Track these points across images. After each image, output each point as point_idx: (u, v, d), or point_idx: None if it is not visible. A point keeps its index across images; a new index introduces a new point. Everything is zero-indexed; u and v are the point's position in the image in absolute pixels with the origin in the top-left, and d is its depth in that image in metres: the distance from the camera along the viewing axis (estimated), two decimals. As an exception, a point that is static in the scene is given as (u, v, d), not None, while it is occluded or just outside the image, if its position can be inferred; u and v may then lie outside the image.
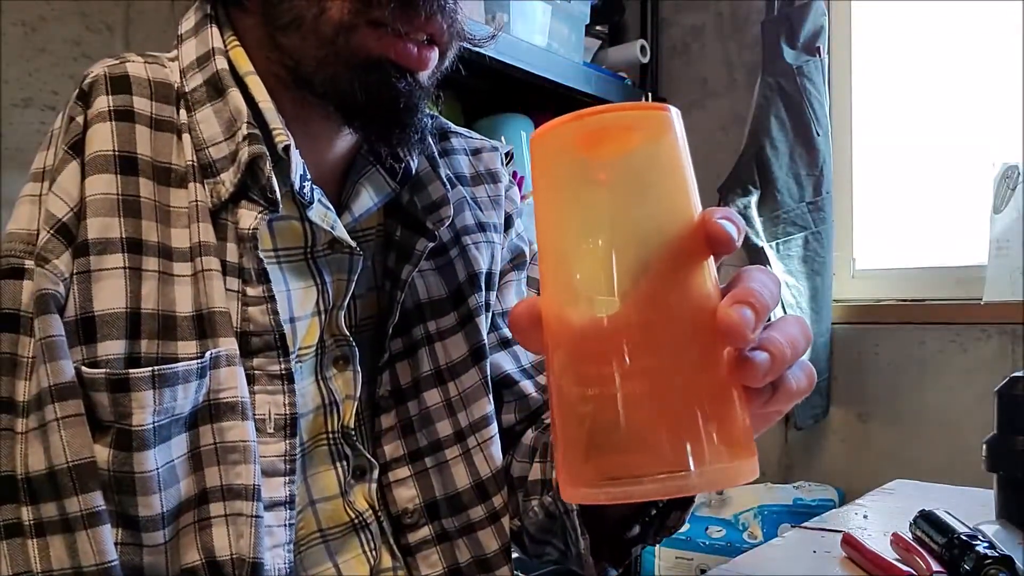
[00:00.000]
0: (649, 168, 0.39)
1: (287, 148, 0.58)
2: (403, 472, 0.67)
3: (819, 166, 1.76)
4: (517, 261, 0.78)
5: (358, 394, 0.64)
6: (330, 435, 0.64)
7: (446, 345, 0.69)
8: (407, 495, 0.66)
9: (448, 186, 0.68)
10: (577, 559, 0.67)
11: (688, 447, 0.36)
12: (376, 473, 0.65)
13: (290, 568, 0.58)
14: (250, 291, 0.58)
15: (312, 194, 0.60)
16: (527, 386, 0.75)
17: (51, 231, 0.55)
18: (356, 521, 0.65)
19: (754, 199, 1.75)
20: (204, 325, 0.57)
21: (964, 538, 0.69)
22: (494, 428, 0.70)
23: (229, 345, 0.57)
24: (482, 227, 0.73)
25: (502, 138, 1.67)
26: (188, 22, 0.64)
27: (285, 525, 0.58)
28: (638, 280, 0.37)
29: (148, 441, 0.54)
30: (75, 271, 0.55)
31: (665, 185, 0.39)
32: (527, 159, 1.76)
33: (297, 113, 0.61)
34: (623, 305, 0.37)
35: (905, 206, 1.85)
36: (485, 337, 0.70)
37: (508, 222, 0.78)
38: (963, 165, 1.76)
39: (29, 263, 0.55)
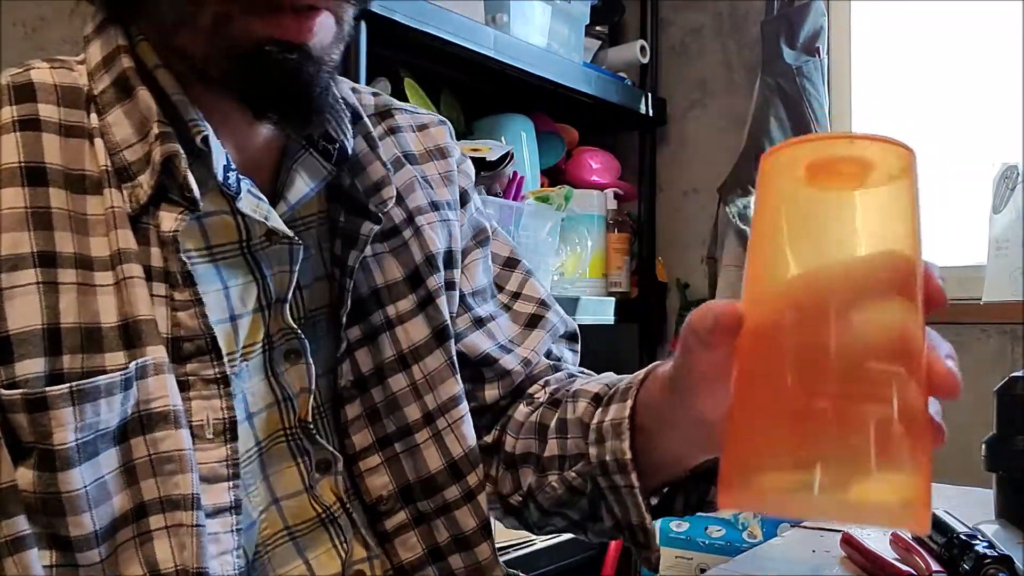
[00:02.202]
0: (887, 206, 0.40)
1: (205, 139, 0.56)
2: (374, 460, 0.66)
3: (819, 166, 1.76)
4: (480, 238, 0.77)
5: (313, 387, 0.63)
6: (288, 431, 0.63)
7: (407, 328, 0.68)
8: (380, 482, 0.66)
9: (389, 166, 0.67)
10: (623, 530, 0.64)
11: (901, 480, 0.38)
12: (340, 465, 0.64)
13: (240, 573, 0.58)
14: (177, 296, 0.57)
15: (239, 185, 0.58)
16: (508, 361, 0.74)
17: None
18: (323, 515, 0.64)
19: (753, 199, 1.75)
20: (131, 334, 0.55)
21: (963, 538, 0.69)
22: (464, 407, 0.69)
23: (157, 353, 0.55)
24: (435, 206, 0.72)
25: (502, 138, 1.67)
26: (91, 25, 0.61)
27: (232, 531, 0.57)
28: (866, 311, 0.39)
29: (72, 460, 0.52)
30: None
31: (897, 228, 0.40)
32: (527, 159, 1.76)
33: (215, 104, 0.58)
34: (846, 331, 0.38)
35: (905, 206, 1.85)
36: (448, 317, 0.70)
37: (464, 198, 0.76)
38: (962, 165, 1.76)
39: None
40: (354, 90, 0.73)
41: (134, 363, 0.54)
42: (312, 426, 0.63)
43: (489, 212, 0.83)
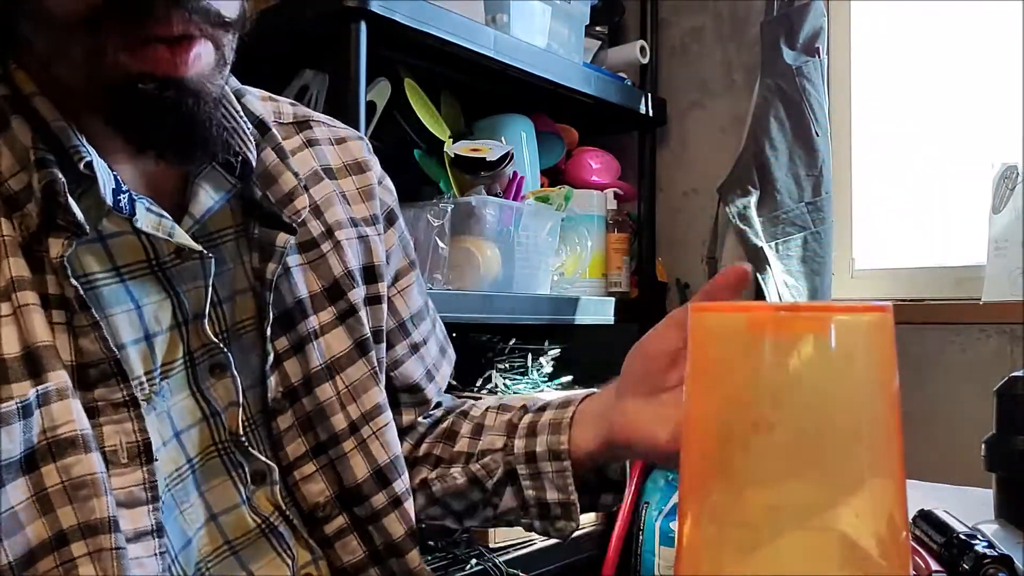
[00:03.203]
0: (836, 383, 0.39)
1: (89, 164, 0.54)
2: (309, 468, 0.66)
3: (818, 166, 1.76)
4: (411, 258, 0.79)
5: (241, 400, 0.62)
6: (219, 445, 0.63)
7: (328, 340, 0.68)
8: (316, 489, 0.66)
9: (301, 176, 0.66)
10: (527, 509, 0.74)
11: None
12: (276, 475, 0.64)
13: None
14: (76, 321, 0.55)
15: (132, 206, 0.56)
16: (430, 391, 0.81)
17: None
18: (263, 526, 0.64)
19: (753, 199, 1.75)
20: (32, 362, 0.53)
21: (963, 537, 0.69)
22: (388, 416, 0.71)
23: (59, 379, 0.53)
24: (353, 221, 0.72)
25: (502, 138, 1.67)
26: None
27: (155, 555, 0.56)
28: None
29: None
30: None
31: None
32: (527, 159, 1.76)
33: (104, 128, 0.56)
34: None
35: (904, 206, 1.85)
36: (368, 330, 0.70)
37: (391, 216, 0.77)
38: (962, 165, 1.76)
39: None
40: (271, 99, 0.73)
41: (33, 390, 0.53)
42: (244, 439, 0.63)
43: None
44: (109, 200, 0.56)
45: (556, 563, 1.66)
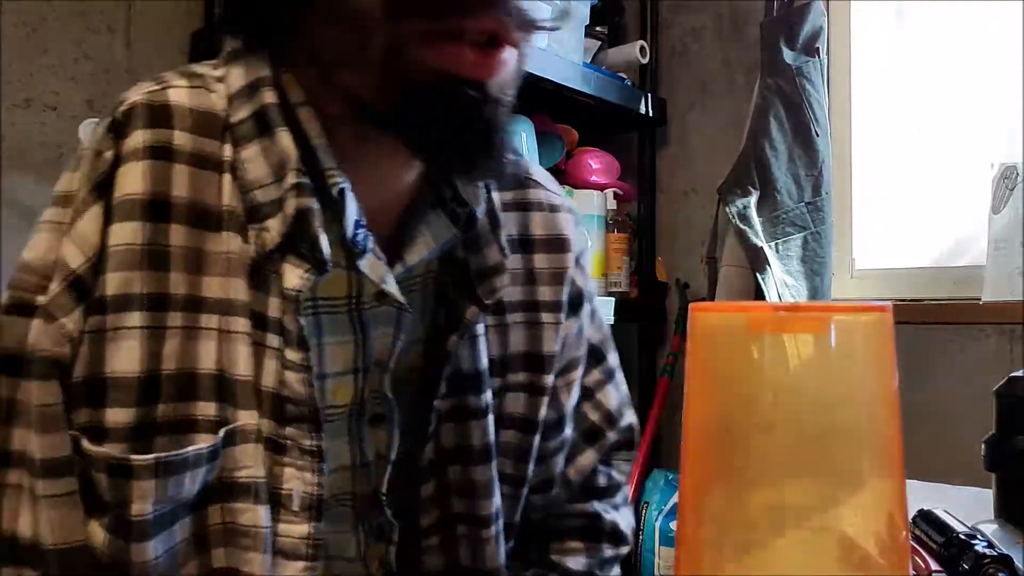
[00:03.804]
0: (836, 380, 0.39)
1: (342, 192, 0.52)
2: (436, 540, 0.62)
3: (818, 166, 1.76)
4: (580, 360, 0.72)
5: (393, 456, 0.58)
6: (355, 497, 0.59)
7: (508, 401, 0.64)
8: (436, 562, 0.62)
9: (506, 251, 0.60)
10: None
11: None
12: (396, 535, 0.60)
13: None
14: (289, 355, 0.52)
15: (365, 243, 0.54)
16: (557, 486, 0.73)
17: (63, 284, 0.50)
18: None
19: (753, 199, 1.75)
20: (224, 388, 0.52)
21: (963, 537, 0.69)
22: (506, 490, 0.66)
23: (249, 419, 0.52)
24: (529, 306, 0.66)
25: (502, 138, 1.67)
26: (236, 41, 0.56)
27: None
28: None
29: (147, 532, 0.49)
30: (87, 329, 0.50)
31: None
32: (527, 158, 1.76)
33: (356, 150, 0.54)
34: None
35: (904, 206, 1.85)
36: (541, 412, 0.66)
37: (576, 302, 0.70)
38: (962, 165, 1.76)
39: (41, 299, 0.50)
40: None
41: (223, 431, 0.51)
42: (385, 498, 0.59)
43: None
44: (350, 232, 0.53)
45: None
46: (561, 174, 1.94)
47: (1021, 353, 1.59)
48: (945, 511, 0.76)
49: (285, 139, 0.53)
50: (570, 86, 1.73)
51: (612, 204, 1.92)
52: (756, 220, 1.75)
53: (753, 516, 0.39)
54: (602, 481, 0.77)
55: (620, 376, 0.78)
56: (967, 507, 0.79)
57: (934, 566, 0.69)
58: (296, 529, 0.53)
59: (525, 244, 0.67)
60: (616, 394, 0.76)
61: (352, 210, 0.53)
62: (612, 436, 0.76)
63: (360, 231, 0.54)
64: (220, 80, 0.56)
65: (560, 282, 0.68)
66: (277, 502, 0.53)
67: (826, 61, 1.81)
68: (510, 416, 0.66)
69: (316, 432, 0.53)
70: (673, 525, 1.70)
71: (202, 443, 0.50)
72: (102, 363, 0.50)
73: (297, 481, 0.53)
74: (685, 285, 2.01)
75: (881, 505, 0.38)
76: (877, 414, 0.38)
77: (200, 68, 0.57)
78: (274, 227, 0.52)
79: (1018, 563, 0.65)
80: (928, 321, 1.68)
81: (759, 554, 0.38)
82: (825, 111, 1.78)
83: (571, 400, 0.71)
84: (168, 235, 0.52)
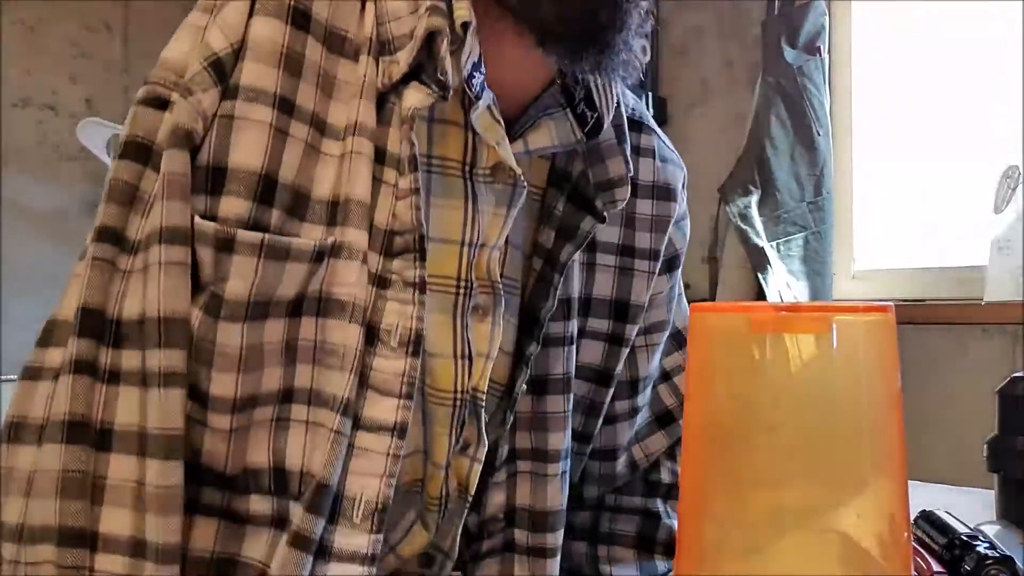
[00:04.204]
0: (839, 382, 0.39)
1: (465, 25, 0.51)
2: (501, 475, 0.61)
3: (819, 166, 1.76)
4: (668, 319, 0.70)
5: (494, 353, 0.57)
6: (457, 395, 0.56)
7: (583, 348, 0.63)
8: (497, 501, 0.61)
9: (630, 164, 0.60)
10: None
11: None
12: (483, 453, 0.58)
13: (383, 503, 0.51)
14: (402, 183, 0.52)
15: (481, 90, 0.53)
16: (621, 464, 0.71)
17: (204, 64, 0.50)
18: (441, 500, 0.58)
19: (754, 199, 1.75)
20: (337, 212, 0.51)
21: (965, 538, 0.69)
22: (573, 446, 0.65)
23: (358, 239, 0.51)
24: (622, 249, 0.65)
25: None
26: None
27: (388, 454, 0.51)
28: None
29: (239, 313, 0.49)
30: (219, 113, 0.50)
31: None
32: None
33: (488, 31, 0.54)
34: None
35: (905, 206, 1.85)
36: (619, 366, 0.65)
37: (672, 264, 0.69)
38: (963, 165, 1.76)
39: (176, 96, 0.50)
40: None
41: (330, 238, 0.51)
42: (483, 400, 0.57)
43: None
44: (467, 69, 0.52)
45: None
46: (562, 174, 1.94)
47: (1023, 353, 1.58)
48: (947, 512, 0.76)
49: None
50: (571, 85, 1.73)
51: (613, 204, 1.92)
52: (757, 220, 1.75)
53: (754, 517, 0.38)
54: (666, 477, 0.74)
55: None
56: (969, 508, 0.79)
57: (936, 567, 0.69)
58: (393, 365, 0.52)
59: (632, 187, 0.64)
60: None
61: (474, 49, 0.53)
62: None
63: (477, 75, 0.53)
64: None
65: (662, 230, 0.67)
66: (376, 336, 0.52)
67: (827, 60, 1.81)
68: (586, 366, 0.65)
69: (421, 261, 0.52)
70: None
71: (309, 240, 0.50)
72: (226, 151, 0.50)
73: (397, 316, 0.52)
74: (686, 285, 2.00)
75: (883, 506, 0.38)
76: (879, 415, 0.38)
77: None
78: (403, 58, 0.52)
79: (1020, 564, 0.65)
80: (930, 321, 1.68)
81: (760, 555, 0.38)
82: (826, 110, 1.78)
83: (651, 365, 0.70)
84: (305, 45, 0.52)
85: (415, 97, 0.52)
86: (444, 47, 0.51)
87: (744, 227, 1.73)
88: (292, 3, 0.52)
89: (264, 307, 0.50)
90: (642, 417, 0.72)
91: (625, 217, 0.65)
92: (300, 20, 0.52)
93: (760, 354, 0.38)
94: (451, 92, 0.52)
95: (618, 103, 0.60)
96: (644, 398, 0.71)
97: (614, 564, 0.71)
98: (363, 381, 0.51)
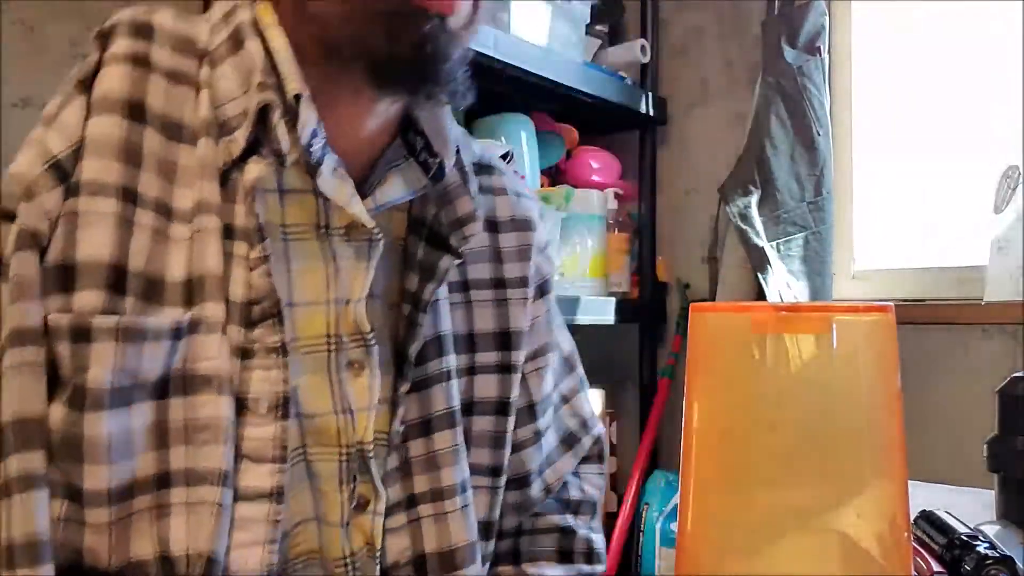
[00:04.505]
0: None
1: (298, 97, 0.54)
2: (400, 519, 0.61)
3: (819, 166, 1.75)
4: (550, 340, 0.73)
5: (374, 404, 0.58)
6: (343, 449, 0.58)
7: (478, 383, 0.65)
8: (400, 545, 0.61)
9: (477, 201, 0.63)
10: None
11: None
12: (382, 507, 0.59)
13: (267, 571, 0.52)
14: (253, 254, 0.54)
15: (323, 155, 0.56)
16: (534, 488, 0.73)
17: (45, 167, 0.52)
18: (347, 560, 0.58)
19: (754, 199, 1.75)
20: (193, 289, 0.52)
21: (965, 538, 0.69)
22: (501, 482, 0.67)
23: (215, 312, 0.52)
24: (495, 283, 0.68)
25: (502, 138, 1.67)
26: None
27: (268, 521, 0.52)
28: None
29: (102, 401, 0.49)
30: (63, 212, 0.51)
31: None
32: (527, 159, 1.76)
33: (324, 88, 0.57)
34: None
35: (905, 206, 1.85)
36: (513, 393, 0.67)
37: (543, 289, 0.73)
38: (963, 165, 1.76)
39: (21, 205, 0.51)
40: (465, 134, 0.71)
41: (187, 315, 0.51)
42: (371, 453, 0.58)
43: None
44: (305, 138, 0.55)
45: None
46: (561, 174, 1.94)
47: (1023, 353, 1.58)
48: (947, 512, 0.76)
49: (253, 47, 0.56)
50: (570, 85, 1.73)
51: (612, 204, 1.91)
52: (757, 220, 1.75)
53: (754, 517, 0.38)
54: (575, 494, 0.78)
55: (587, 389, 0.81)
56: (969, 508, 0.79)
57: (936, 567, 0.69)
58: (263, 431, 0.53)
59: (491, 225, 0.70)
60: (587, 404, 0.79)
61: (310, 118, 0.55)
62: (587, 443, 0.77)
63: (316, 142, 0.56)
64: (205, 21, 0.60)
65: (526, 258, 0.71)
66: (244, 407, 0.53)
67: (827, 60, 1.81)
68: (483, 401, 0.67)
69: (280, 326, 0.54)
70: (674, 526, 1.70)
71: (168, 320, 0.51)
72: (74, 247, 0.51)
73: (264, 383, 0.53)
74: (686, 285, 2.00)
75: (883, 506, 0.38)
76: (879, 415, 0.38)
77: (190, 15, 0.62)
78: (240, 135, 0.55)
79: (1020, 564, 0.65)
80: (930, 321, 1.68)
81: (760, 555, 0.38)
82: (826, 110, 1.78)
83: (543, 388, 0.72)
84: (142, 136, 0.54)
85: (255, 170, 0.54)
86: (276, 118, 0.54)
87: (744, 227, 1.73)
88: (127, 98, 0.54)
89: (128, 392, 0.50)
90: (548, 443, 0.74)
91: (492, 252, 0.69)
92: (136, 113, 0.54)
93: (760, 354, 0.38)
94: (291, 160, 0.55)
95: (458, 150, 0.64)
96: (546, 421, 0.73)
97: (538, 565, 0.73)
98: (237, 453, 0.52)
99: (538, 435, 0.72)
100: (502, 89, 1.74)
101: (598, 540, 0.78)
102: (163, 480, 0.51)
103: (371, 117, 0.60)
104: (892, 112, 1.87)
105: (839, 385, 0.38)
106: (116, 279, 0.51)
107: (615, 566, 1.81)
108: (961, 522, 0.74)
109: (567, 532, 0.76)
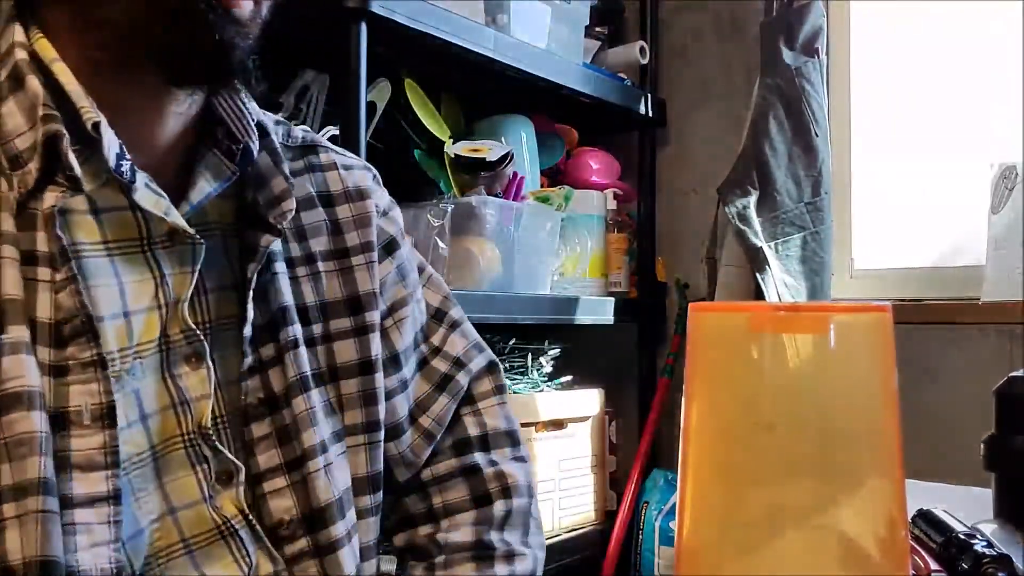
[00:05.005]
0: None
1: (96, 125, 0.56)
2: (280, 482, 0.65)
3: (818, 167, 1.76)
4: (409, 290, 0.77)
5: (212, 392, 0.62)
6: (185, 437, 0.61)
7: (304, 353, 0.67)
8: (283, 505, 0.65)
9: (291, 180, 0.67)
10: None
11: None
12: (243, 476, 0.63)
13: (117, 568, 0.55)
14: (58, 276, 0.56)
15: (133, 175, 0.58)
16: (408, 436, 0.76)
17: None
18: (223, 528, 0.62)
19: (753, 200, 1.75)
20: None
21: (962, 537, 0.69)
22: (359, 439, 0.70)
23: (17, 333, 0.54)
24: (336, 253, 0.72)
25: (502, 139, 1.67)
26: None
27: (108, 522, 0.55)
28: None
29: None
30: None
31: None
32: (527, 159, 1.76)
33: (120, 99, 0.59)
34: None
35: (903, 206, 1.85)
36: (335, 360, 0.70)
37: (391, 246, 0.76)
38: (961, 165, 1.76)
39: None
40: (282, 123, 0.74)
41: None
42: (213, 434, 0.62)
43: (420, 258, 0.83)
44: (112, 162, 0.57)
45: (556, 563, 1.66)
46: (561, 174, 1.95)
47: (1020, 353, 1.59)
48: (944, 511, 0.76)
49: (33, 83, 0.57)
50: (570, 86, 1.73)
51: (612, 204, 1.92)
52: (756, 220, 1.75)
53: (753, 516, 0.39)
54: (473, 431, 0.80)
55: (468, 326, 0.84)
56: (966, 507, 0.79)
57: (933, 566, 0.69)
58: (90, 440, 0.55)
59: (325, 199, 0.73)
60: (462, 340, 0.82)
61: (112, 143, 0.57)
62: (463, 379, 0.80)
63: (124, 163, 0.58)
64: None
65: (366, 225, 0.74)
66: (67, 420, 0.55)
67: (826, 61, 1.81)
68: (346, 364, 0.70)
69: (94, 342, 0.56)
70: (673, 525, 1.71)
71: None
72: None
73: (83, 396, 0.55)
74: (685, 285, 2.01)
75: (881, 505, 0.38)
76: (877, 414, 0.39)
77: None
78: (33, 167, 0.56)
79: (1017, 563, 0.65)
80: (927, 321, 1.68)
81: (759, 554, 0.38)
82: (825, 111, 1.78)
83: (403, 339, 0.76)
84: None
85: (51, 198, 0.56)
86: (65, 147, 0.55)
87: (742, 227, 1.73)
88: None
89: None
90: (418, 390, 0.78)
91: (331, 226, 0.72)
92: None
93: (759, 354, 0.38)
94: (91, 187, 0.57)
95: (266, 133, 0.67)
96: (410, 369, 0.77)
97: (450, 532, 0.76)
98: (65, 464, 0.54)
99: (404, 383, 0.76)
100: (502, 90, 1.75)
101: (514, 469, 0.79)
102: None
103: (172, 117, 0.62)
104: (890, 113, 1.87)
105: (837, 385, 0.38)
106: None
107: (614, 565, 1.81)
108: (958, 521, 0.74)
109: (472, 471, 0.78)
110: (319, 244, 0.71)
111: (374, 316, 0.72)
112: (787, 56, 1.76)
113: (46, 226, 0.56)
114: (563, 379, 1.82)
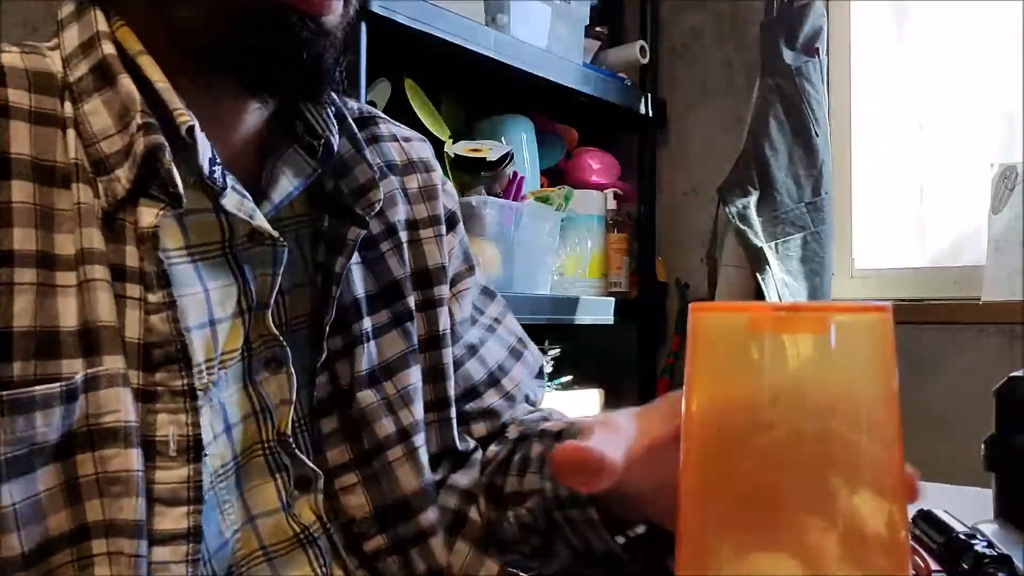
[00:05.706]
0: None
1: (191, 130, 0.52)
2: (351, 478, 0.62)
3: (818, 167, 1.76)
4: (469, 264, 0.76)
5: (294, 398, 0.59)
6: (265, 445, 0.59)
7: (380, 344, 0.65)
8: (356, 502, 0.62)
9: (375, 168, 0.63)
10: (587, 559, 0.63)
11: None
12: (321, 483, 0.60)
13: None
14: (151, 298, 0.53)
15: (224, 179, 0.55)
16: (491, 396, 0.73)
17: None
18: (302, 535, 0.60)
19: (753, 199, 1.76)
20: (90, 341, 0.51)
21: (963, 537, 0.69)
22: (431, 416, 0.67)
23: (114, 364, 0.51)
24: (413, 224, 0.69)
25: (502, 139, 1.68)
26: (68, 7, 0.57)
27: (186, 561, 0.52)
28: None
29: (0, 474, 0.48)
30: None
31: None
32: (527, 159, 1.77)
33: (198, 95, 0.55)
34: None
35: (904, 206, 1.85)
36: (415, 339, 0.67)
37: (452, 220, 0.74)
38: (962, 165, 1.76)
39: None
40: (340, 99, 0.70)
41: (80, 375, 0.50)
42: (291, 440, 0.59)
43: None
44: (206, 169, 0.54)
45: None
46: (561, 174, 1.95)
47: (1021, 353, 1.59)
48: (945, 511, 0.76)
49: (127, 85, 0.53)
50: (570, 86, 1.73)
51: (612, 204, 1.92)
52: (756, 220, 1.75)
53: (752, 516, 0.39)
54: (531, 397, 0.79)
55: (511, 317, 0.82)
56: (967, 507, 0.79)
57: (934, 566, 0.69)
58: (174, 474, 0.52)
59: (393, 168, 0.70)
60: (514, 321, 0.81)
61: (205, 147, 0.54)
62: (529, 357, 0.79)
63: (216, 168, 0.55)
64: (54, 49, 0.57)
65: (434, 197, 0.72)
66: (152, 450, 0.52)
67: (826, 61, 1.81)
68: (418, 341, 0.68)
69: (186, 371, 0.53)
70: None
71: (54, 385, 0.50)
72: None
73: (171, 426, 0.53)
74: (685, 285, 2.01)
75: (881, 505, 0.38)
76: (877, 414, 0.38)
77: (32, 43, 0.58)
78: (123, 175, 0.53)
79: (1018, 563, 0.65)
80: (928, 321, 1.68)
81: (758, 554, 0.38)
82: (825, 111, 1.78)
83: (464, 309, 0.74)
84: (10, 192, 0.51)
85: (149, 215, 0.53)
86: (167, 161, 0.52)
87: (743, 227, 1.73)
88: None
89: (26, 460, 0.50)
90: (494, 355, 0.75)
91: (403, 194, 0.69)
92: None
93: (759, 354, 0.38)
94: (184, 199, 0.53)
95: (343, 117, 0.63)
96: (474, 335, 0.74)
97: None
98: (149, 497, 0.52)
99: (473, 348, 0.73)
100: (502, 90, 1.75)
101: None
102: (83, 533, 0.51)
103: (252, 114, 0.60)
104: (890, 113, 1.87)
105: (837, 385, 0.38)
106: (1, 347, 0.50)
107: (614, 565, 1.81)
108: (959, 521, 0.74)
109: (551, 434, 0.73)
110: (397, 214, 0.68)
111: (443, 290, 0.70)
112: (787, 56, 1.76)
113: (140, 243, 0.53)
114: (563, 379, 1.82)
